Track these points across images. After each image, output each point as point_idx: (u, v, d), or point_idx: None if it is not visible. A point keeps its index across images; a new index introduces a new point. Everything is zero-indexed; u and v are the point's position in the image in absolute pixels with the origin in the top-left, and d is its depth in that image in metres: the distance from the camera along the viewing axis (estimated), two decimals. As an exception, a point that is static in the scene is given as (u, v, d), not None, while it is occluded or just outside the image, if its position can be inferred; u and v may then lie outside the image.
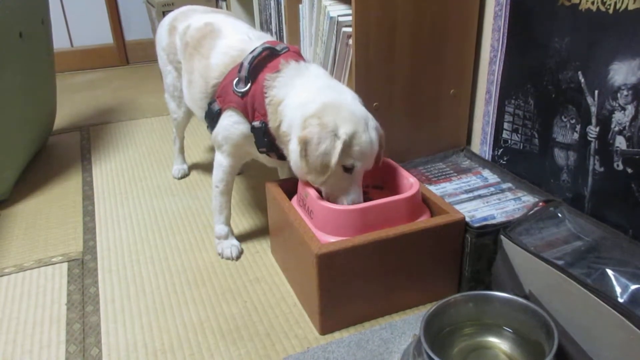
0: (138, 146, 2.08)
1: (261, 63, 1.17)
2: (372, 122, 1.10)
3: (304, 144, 1.04)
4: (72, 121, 2.37)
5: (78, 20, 3.09)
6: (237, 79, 1.18)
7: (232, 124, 1.21)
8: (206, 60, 1.27)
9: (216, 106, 1.23)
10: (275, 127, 1.14)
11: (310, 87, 1.12)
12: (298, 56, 1.20)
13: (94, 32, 3.13)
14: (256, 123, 1.16)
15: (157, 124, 2.30)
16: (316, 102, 1.07)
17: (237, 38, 1.27)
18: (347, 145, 1.04)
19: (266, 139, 1.16)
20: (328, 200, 1.11)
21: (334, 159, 1.03)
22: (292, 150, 1.10)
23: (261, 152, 1.21)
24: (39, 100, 1.90)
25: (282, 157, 1.19)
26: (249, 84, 1.16)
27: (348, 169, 1.07)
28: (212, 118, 1.25)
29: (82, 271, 1.33)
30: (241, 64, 1.17)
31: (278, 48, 1.19)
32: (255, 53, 1.17)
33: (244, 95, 1.17)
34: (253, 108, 1.16)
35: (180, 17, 1.49)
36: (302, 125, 1.06)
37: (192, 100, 1.37)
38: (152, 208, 1.62)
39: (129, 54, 3.26)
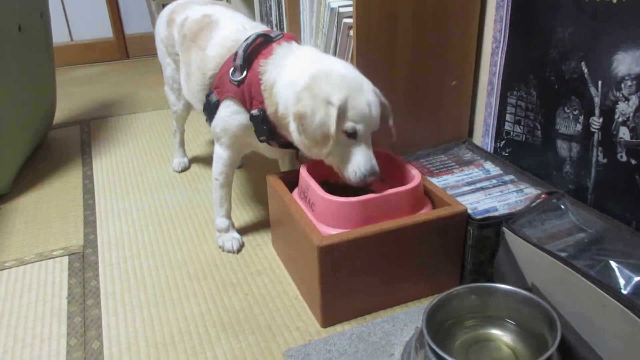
0: (138, 140, 2.07)
1: (255, 50, 1.16)
2: (369, 85, 1.07)
3: (300, 119, 1.03)
4: (72, 115, 2.36)
5: (78, 14, 3.07)
6: (232, 68, 1.17)
7: (230, 114, 1.20)
8: (203, 52, 1.26)
9: (214, 97, 1.22)
10: (273, 112, 1.13)
11: (300, 64, 1.11)
12: (292, 39, 1.19)
13: (93, 26, 3.12)
14: (254, 111, 1.15)
15: (158, 118, 2.29)
16: (305, 76, 1.06)
17: (232, 29, 1.26)
18: (343, 110, 1.02)
19: (265, 126, 1.15)
20: (342, 174, 1.08)
21: (332, 127, 1.01)
22: (293, 131, 1.08)
23: (261, 141, 1.20)
24: (38, 94, 1.89)
25: (283, 145, 1.19)
26: (245, 72, 1.15)
27: (351, 135, 1.05)
28: (210, 110, 1.24)
29: (83, 264, 1.33)
30: (236, 53, 1.17)
31: (272, 35, 1.19)
32: (249, 41, 1.16)
33: (240, 83, 1.16)
34: (250, 96, 1.15)
35: (179, 9, 1.48)
36: (296, 103, 1.05)
37: (191, 93, 1.36)
38: (152, 201, 1.61)
39: (129, 48, 3.24)
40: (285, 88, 1.09)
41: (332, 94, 1.02)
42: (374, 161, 1.07)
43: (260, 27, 1.28)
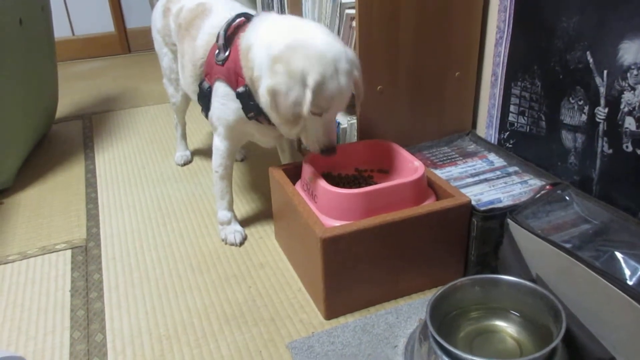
0: (140, 134, 2.07)
1: (237, 29, 1.16)
2: (345, 64, 1.03)
3: (273, 96, 1.02)
4: (74, 109, 2.36)
5: (79, 9, 3.07)
6: (217, 50, 1.18)
7: (221, 100, 1.19)
8: (194, 42, 1.27)
9: (206, 84, 1.23)
10: (250, 78, 1.10)
11: (276, 27, 1.08)
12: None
13: (95, 20, 3.11)
14: (240, 89, 1.13)
15: (159, 112, 2.28)
16: (282, 42, 1.03)
17: (221, 16, 1.26)
18: (317, 93, 1.01)
19: (252, 102, 1.13)
20: (303, 140, 1.11)
21: (306, 108, 1.00)
22: (262, 94, 1.06)
23: (250, 118, 1.17)
24: (40, 88, 1.89)
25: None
26: (228, 51, 1.15)
27: (317, 113, 1.05)
28: (204, 97, 1.24)
29: (86, 258, 1.33)
30: (218, 34, 1.17)
31: (253, 13, 1.20)
32: (229, 20, 1.17)
33: (224, 61, 1.15)
34: (236, 73, 1.14)
35: None
36: (270, 69, 1.02)
37: (186, 85, 1.37)
38: (155, 195, 1.61)
39: (130, 42, 3.24)
40: (260, 50, 1.06)
41: (308, 73, 0.99)
42: (333, 136, 1.11)
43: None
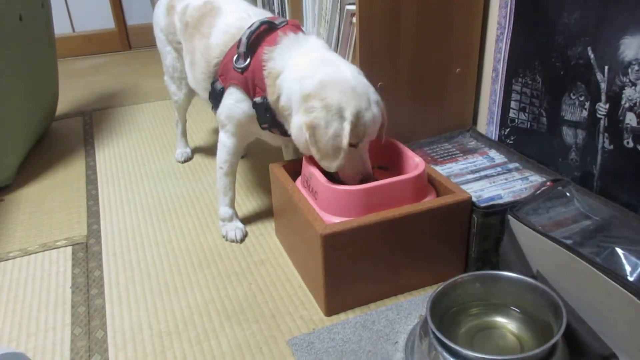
0: (141, 130, 2.07)
1: (259, 37, 1.16)
2: (374, 95, 1.08)
3: (312, 130, 1.03)
4: (74, 106, 2.36)
5: (79, 5, 3.06)
6: (236, 55, 1.17)
7: (234, 102, 1.20)
8: (207, 40, 1.26)
9: (219, 85, 1.22)
10: (274, 101, 1.12)
11: (308, 60, 1.10)
12: (297, 29, 1.18)
13: (95, 16, 3.11)
14: (257, 99, 1.15)
15: (160, 109, 2.28)
16: (314, 78, 1.05)
17: (236, 16, 1.26)
18: (354, 125, 1.03)
19: (268, 114, 1.15)
20: (344, 181, 1.10)
21: (345, 140, 1.03)
22: (294, 126, 1.09)
23: (264, 129, 1.20)
24: (41, 85, 1.89)
25: (285, 133, 1.18)
26: (248, 59, 1.15)
27: (354, 145, 1.08)
28: (216, 97, 1.24)
29: (87, 255, 1.33)
30: (239, 40, 1.16)
31: (276, 22, 1.18)
32: (252, 28, 1.16)
33: (243, 70, 1.16)
34: (254, 84, 1.15)
35: None
36: (304, 106, 1.04)
37: (196, 81, 1.35)
38: (155, 192, 1.61)
39: (131, 39, 3.23)
40: (292, 82, 1.08)
41: (345, 107, 1.02)
42: (368, 164, 1.13)
43: (263, 14, 1.28)
